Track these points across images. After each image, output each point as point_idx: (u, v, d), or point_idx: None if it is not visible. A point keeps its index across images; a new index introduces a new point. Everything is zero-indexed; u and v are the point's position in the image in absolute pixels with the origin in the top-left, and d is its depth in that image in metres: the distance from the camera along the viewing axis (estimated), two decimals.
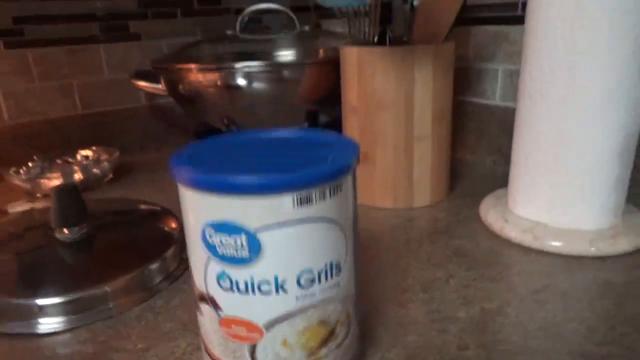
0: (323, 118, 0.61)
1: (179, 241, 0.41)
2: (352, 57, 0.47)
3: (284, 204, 0.21)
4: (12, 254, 0.41)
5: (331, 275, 0.23)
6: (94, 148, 0.67)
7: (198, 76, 0.57)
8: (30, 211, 0.53)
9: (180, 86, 0.60)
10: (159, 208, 0.49)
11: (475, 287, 0.34)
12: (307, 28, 0.66)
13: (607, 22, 0.34)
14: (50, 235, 0.40)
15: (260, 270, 0.22)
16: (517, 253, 0.39)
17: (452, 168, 0.60)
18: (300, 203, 0.21)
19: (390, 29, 0.48)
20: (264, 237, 0.21)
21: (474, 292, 0.34)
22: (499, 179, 0.55)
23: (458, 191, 0.53)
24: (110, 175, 0.63)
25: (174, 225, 0.45)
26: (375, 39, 0.49)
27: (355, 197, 0.24)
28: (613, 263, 0.36)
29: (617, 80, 0.35)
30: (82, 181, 0.60)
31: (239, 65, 0.54)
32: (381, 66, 0.45)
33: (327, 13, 0.82)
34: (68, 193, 0.40)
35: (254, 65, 0.54)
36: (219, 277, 0.22)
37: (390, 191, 0.48)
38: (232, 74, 0.55)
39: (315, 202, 0.21)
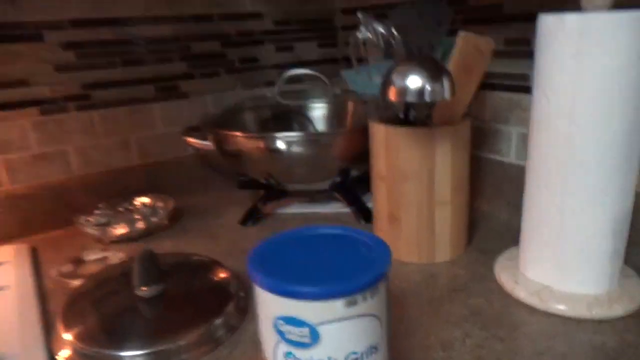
0: (354, 172, 0.68)
1: (236, 296, 0.49)
2: (380, 132, 0.54)
3: (337, 306, 0.28)
4: (97, 306, 0.49)
5: (371, 354, 0.30)
6: (150, 195, 0.76)
7: (242, 141, 0.65)
8: (104, 259, 0.62)
9: (226, 146, 0.68)
10: (209, 260, 0.57)
11: (488, 348, 0.41)
12: (339, 92, 0.73)
13: (601, 118, 0.40)
14: (130, 291, 0.49)
15: (319, 352, 0.29)
16: (525, 313, 0.45)
17: (469, 217, 0.67)
18: (349, 305, 0.28)
19: (413, 114, 0.55)
20: (322, 329, 0.28)
21: (487, 352, 0.40)
22: (514, 232, 0.62)
23: (475, 244, 0.59)
24: (166, 222, 0.71)
25: (222, 275, 0.53)
26: (401, 115, 0.56)
27: (388, 290, 0.31)
28: (608, 327, 0.42)
29: (612, 166, 0.41)
30: (144, 230, 0.68)
31: (278, 135, 0.62)
32: (405, 143, 0.52)
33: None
34: (148, 257, 0.48)
35: (292, 135, 0.62)
36: (286, 355, 0.30)
37: (414, 248, 0.55)
38: (272, 141, 0.62)
39: (360, 303, 0.28)
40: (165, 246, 0.66)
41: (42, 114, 0.71)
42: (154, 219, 0.70)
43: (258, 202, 0.72)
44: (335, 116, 0.81)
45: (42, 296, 0.54)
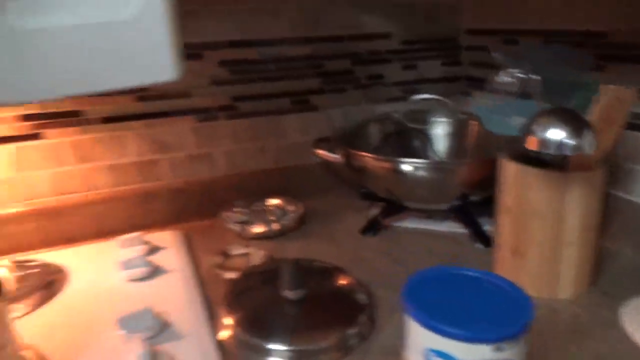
0: (474, 198, 0.71)
1: (367, 307, 0.56)
2: (510, 169, 0.57)
3: (485, 350, 0.33)
4: (250, 299, 0.58)
5: None
6: (280, 197, 0.86)
7: (369, 160, 0.71)
8: (247, 255, 0.72)
9: (353, 162, 0.75)
10: (336, 267, 0.64)
11: None
12: (463, 116, 0.76)
13: None
14: (277, 291, 0.57)
15: None
16: None
17: (596, 256, 0.67)
18: (496, 350, 0.33)
19: (548, 155, 0.57)
20: None
21: None
22: None
23: (600, 285, 0.60)
24: (295, 225, 0.80)
25: (350, 283, 0.60)
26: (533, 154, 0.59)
27: (528, 338, 0.36)
28: None
29: None
30: (278, 231, 0.78)
31: (405, 160, 0.67)
32: (536, 184, 0.54)
33: (480, 86, 0.92)
34: (295, 264, 0.56)
35: (418, 162, 0.67)
36: None
37: (536, 282, 0.58)
38: (398, 164, 0.68)
39: (506, 349, 0.33)
40: (293, 247, 0.75)
41: (199, 121, 0.83)
42: (285, 221, 0.79)
43: (379, 215, 0.78)
44: (457, 136, 0.84)
45: (201, 282, 0.66)
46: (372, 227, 0.77)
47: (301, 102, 0.89)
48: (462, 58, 0.97)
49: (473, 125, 0.83)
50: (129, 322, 0.52)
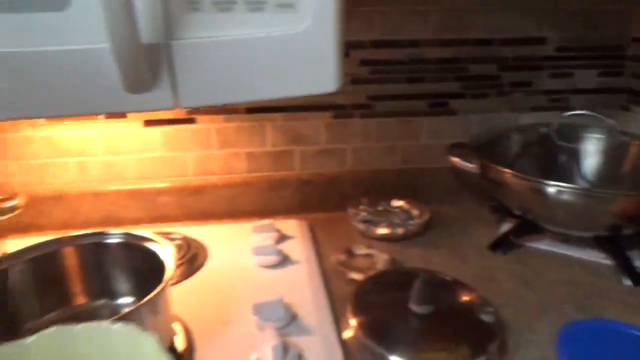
0: (627, 231, 0.64)
1: (495, 333, 0.53)
2: None
3: None
4: (376, 305, 0.59)
5: None
6: (406, 200, 0.85)
7: (509, 177, 0.67)
8: (370, 256, 0.72)
9: (490, 175, 0.71)
10: (463, 283, 0.61)
11: None
12: (624, 138, 0.68)
13: None
14: (404, 302, 0.57)
15: None
16: None
17: None
18: None
19: None
20: None
21: None
22: None
23: None
24: (420, 230, 0.79)
25: (478, 303, 0.58)
26: None
27: None
28: None
29: None
30: (402, 235, 0.77)
31: (551, 183, 0.62)
32: None
33: None
34: (426, 280, 0.55)
35: (567, 187, 0.61)
36: None
37: None
38: (543, 187, 0.63)
39: None
40: (416, 254, 0.73)
41: (334, 118, 0.85)
42: (410, 226, 0.78)
43: (511, 232, 0.74)
44: (612, 158, 0.76)
45: (325, 277, 0.68)
46: (503, 244, 0.73)
47: (439, 105, 0.86)
48: (625, 69, 0.87)
49: (634, 147, 0.74)
50: (262, 310, 0.56)
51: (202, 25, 0.41)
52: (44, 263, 0.50)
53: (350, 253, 0.73)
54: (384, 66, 0.82)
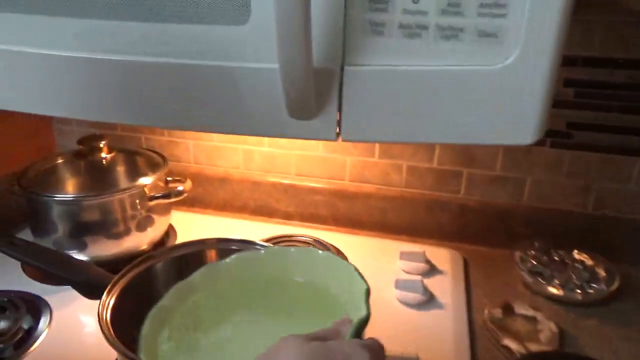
0: None
1: None
2: None
3: None
4: None
5: None
6: (591, 254, 0.69)
7: None
8: (533, 322, 0.60)
9: None
10: None
11: None
12: None
13: None
14: None
15: None
16: None
17: None
18: None
19: None
20: None
21: None
22: None
23: None
24: (605, 295, 0.63)
25: None
26: None
27: None
28: None
29: None
30: (579, 301, 0.63)
31: None
32: None
33: None
34: None
35: None
36: None
37: None
38: None
39: None
40: (593, 330, 0.59)
41: None
42: (592, 289, 0.64)
43: None
44: None
45: (472, 334, 0.58)
46: None
47: None
48: None
49: None
50: None
51: (383, 52, 0.35)
52: (187, 261, 0.51)
53: (508, 310, 0.62)
54: (594, 89, 0.66)
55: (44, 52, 0.40)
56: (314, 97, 0.36)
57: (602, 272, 0.67)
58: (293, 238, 0.75)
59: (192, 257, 0.51)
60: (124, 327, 0.43)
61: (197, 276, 0.44)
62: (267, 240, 0.73)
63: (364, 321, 0.35)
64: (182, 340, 0.40)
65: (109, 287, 0.43)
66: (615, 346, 0.57)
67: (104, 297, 0.43)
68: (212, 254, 0.53)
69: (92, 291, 0.47)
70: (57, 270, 0.47)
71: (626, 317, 0.61)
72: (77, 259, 0.50)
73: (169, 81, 0.39)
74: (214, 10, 0.36)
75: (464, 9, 0.33)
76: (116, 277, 0.45)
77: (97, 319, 0.41)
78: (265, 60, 0.37)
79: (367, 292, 0.38)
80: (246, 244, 0.53)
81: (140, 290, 0.46)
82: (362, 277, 0.41)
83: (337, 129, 0.38)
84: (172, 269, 0.50)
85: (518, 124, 0.35)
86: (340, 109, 0.37)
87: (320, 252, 0.45)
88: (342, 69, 0.36)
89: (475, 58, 0.34)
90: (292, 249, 0.46)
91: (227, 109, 0.39)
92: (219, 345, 0.40)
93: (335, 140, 0.39)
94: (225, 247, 0.52)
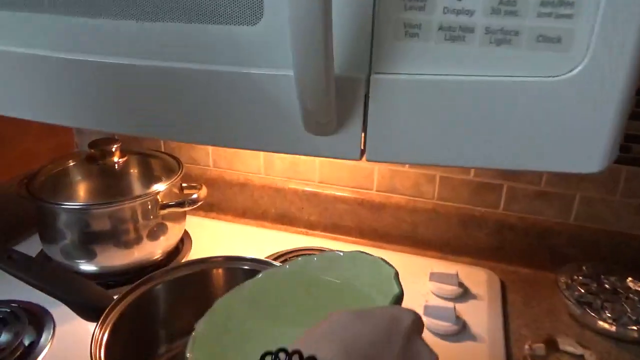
0: None
1: None
2: None
3: None
4: None
5: None
6: None
7: None
8: None
9: None
10: None
11: None
12: None
13: None
14: None
15: None
16: None
17: None
18: None
19: None
20: None
21: None
22: None
23: None
24: None
25: None
26: None
27: None
28: None
29: None
30: (634, 338, 0.56)
31: None
32: None
33: None
34: None
35: None
36: None
37: None
38: None
39: None
40: None
41: None
42: None
43: None
44: None
45: None
46: None
47: None
48: None
49: None
50: None
51: (419, 58, 0.29)
52: (190, 282, 0.47)
53: (552, 345, 0.55)
54: None
55: (31, 52, 0.36)
56: (334, 109, 0.31)
57: None
58: (314, 252, 0.70)
59: (196, 277, 0.47)
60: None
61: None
62: (285, 254, 0.68)
63: (398, 298, 0.36)
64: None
65: (101, 319, 0.39)
66: None
67: (96, 331, 0.39)
68: (218, 273, 0.48)
69: (89, 313, 0.43)
70: (54, 290, 0.43)
71: None
72: (77, 277, 0.46)
73: (168, 88, 0.34)
74: (219, 7, 0.31)
75: (520, 7, 0.27)
76: (113, 302, 0.41)
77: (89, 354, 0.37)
78: (279, 66, 0.31)
79: (397, 275, 0.40)
80: (258, 264, 0.48)
81: (139, 316, 0.42)
82: (389, 264, 0.43)
83: (362, 147, 0.33)
84: (174, 290, 0.46)
85: (583, 149, 0.29)
86: (365, 125, 0.32)
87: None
88: (368, 78, 0.30)
89: (533, 68, 0.28)
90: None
91: (234, 121, 0.34)
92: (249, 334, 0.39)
93: (359, 159, 0.33)
94: (233, 266, 0.47)
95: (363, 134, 0.32)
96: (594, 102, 0.28)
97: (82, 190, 0.65)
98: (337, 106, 0.31)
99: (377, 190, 0.75)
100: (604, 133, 0.28)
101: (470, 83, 0.29)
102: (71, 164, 0.67)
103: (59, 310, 0.57)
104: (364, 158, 0.33)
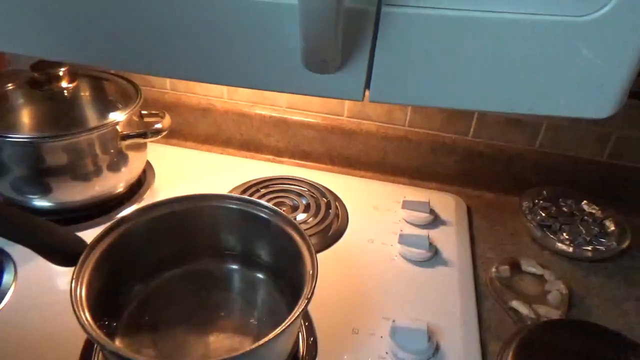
0: None
1: None
2: None
3: None
4: None
5: None
6: (603, 205, 0.65)
7: None
8: (540, 280, 0.57)
9: None
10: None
11: None
12: None
13: None
14: None
15: None
16: None
17: None
18: None
19: None
20: None
21: None
22: None
23: None
24: (615, 252, 0.60)
25: None
26: None
27: None
28: None
29: None
30: (587, 257, 0.60)
31: None
32: None
33: None
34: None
35: None
36: None
37: None
38: None
39: None
40: (603, 291, 0.56)
41: None
42: (601, 245, 0.61)
43: None
44: None
45: (478, 294, 0.55)
46: None
47: None
48: None
49: None
50: (402, 335, 0.46)
51: None
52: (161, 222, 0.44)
53: (515, 267, 0.58)
54: None
55: None
56: (339, 45, 0.28)
57: (612, 226, 0.63)
58: (284, 182, 0.68)
59: (173, 217, 0.44)
60: (99, 305, 0.37)
61: None
62: (254, 185, 0.66)
63: None
64: None
65: (77, 268, 0.36)
66: (625, 308, 0.55)
67: (75, 273, 0.36)
68: (201, 211, 0.46)
69: (59, 258, 0.40)
70: (13, 234, 0.39)
71: (637, 276, 0.59)
72: (38, 220, 0.42)
73: (143, 11, 0.29)
74: None
75: None
76: (88, 246, 0.38)
77: (70, 299, 0.35)
78: None
79: None
80: (246, 203, 0.46)
81: (114, 259, 0.40)
82: None
83: (365, 87, 0.30)
84: (150, 232, 0.43)
85: (597, 94, 0.28)
86: (371, 63, 0.29)
87: None
88: (378, 10, 0.27)
89: (558, 5, 0.26)
90: None
91: (224, 53, 0.30)
92: None
93: (361, 100, 0.31)
94: (206, 204, 0.45)
95: (368, 73, 0.29)
96: (618, 45, 0.26)
97: (26, 117, 0.58)
98: (342, 41, 0.27)
99: (347, 117, 0.73)
100: (620, 78, 0.27)
101: (489, 20, 0.26)
102: (10, 87, 0.59)
103: (18, 249, 0.53)
104: (366, 98, 0.31)
